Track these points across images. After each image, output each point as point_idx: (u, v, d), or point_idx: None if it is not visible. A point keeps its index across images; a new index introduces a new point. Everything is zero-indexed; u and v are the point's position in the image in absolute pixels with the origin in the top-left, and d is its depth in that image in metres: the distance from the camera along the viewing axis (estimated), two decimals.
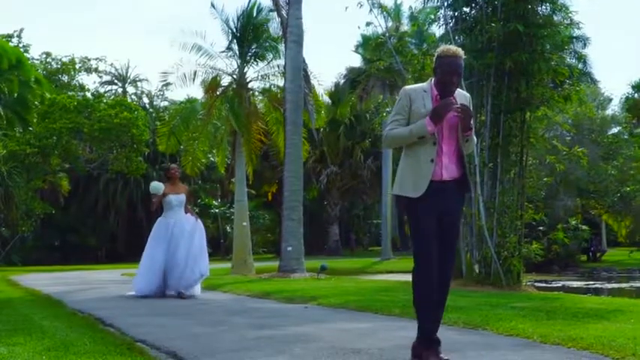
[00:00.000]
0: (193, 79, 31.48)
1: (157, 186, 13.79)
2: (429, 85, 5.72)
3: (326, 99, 48.96)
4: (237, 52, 31.80)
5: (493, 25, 15.96)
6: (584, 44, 22.14)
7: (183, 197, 13.75)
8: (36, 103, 38.41)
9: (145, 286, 13.37)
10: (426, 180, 5.54)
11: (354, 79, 47.69)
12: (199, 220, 13.90)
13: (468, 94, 5.89)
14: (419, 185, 5.57)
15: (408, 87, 5.82)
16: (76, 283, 19.43)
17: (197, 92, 73.49)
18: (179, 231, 13.46)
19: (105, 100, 42.31)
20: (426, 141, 5.56)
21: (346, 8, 21.49)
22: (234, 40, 31.72)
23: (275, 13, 27.29)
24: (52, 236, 49.69)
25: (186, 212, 13.79)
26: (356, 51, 50.44)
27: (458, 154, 5.70)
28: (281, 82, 29.34)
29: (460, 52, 5.65)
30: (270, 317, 9.46)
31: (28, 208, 38.73)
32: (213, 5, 31.57)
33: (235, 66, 31.79)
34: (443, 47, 5.71)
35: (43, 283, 19.07)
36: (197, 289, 13.64)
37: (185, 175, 31.25)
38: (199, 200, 48.89)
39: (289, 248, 21.89)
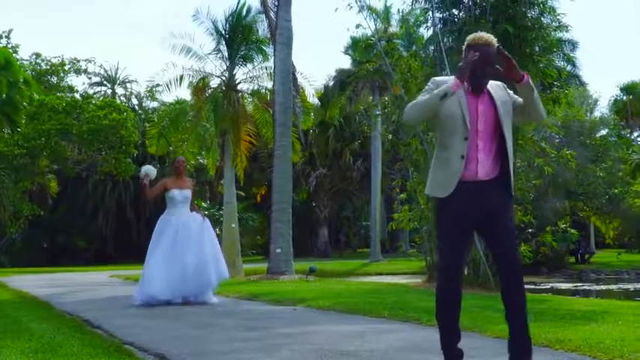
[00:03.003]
0: (180, 83, 31.54)
1: (148, 168, 12.70)
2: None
3: (315, 101, 48.98)
4: (227, 54, 31.82)
5: (482, 26, 15.99)
6: (573, 47, 22.24)
7: (188, 193, 12.52)
8: (24, 104, 38.28)
9: (153, 293, 11.75)
10: (456, 177, 5.10)
11: (343, 80, 47.72)
12: (207, 219, 12.59)
13: (501, 83, 5.38)
14: (448, 183, 5.13)
15: (437, 77, 5.39)
16: (65, 284, 19.37)
17: (187, 93, 73.33)
18: (185, 231, 12.12)
19: (94, 102, 42.19)
20: (457, 136, 5.09)
21: (336, 9, 21.52)
22: (223, 42, 31.73)
23: (264, 15, 27.28)
24: (41, 238, 49.55)
25: (191, 210, 12.56)
26: (346, 52, 50.49)
27: (497, 150, 5.19)
28: (270, 84, 29.36)
29: (493, 39, 5.20)
30: (258, 319, 9.46)
31: (16, 209, 38.60)
32: (196, 13, 31.67)
33: (224, 68, 31.81)
34: (473, 35, 5.25)
35: (31, 285, 19.01)
36: (210, 295, 12.34)
37: None
38: None
39: (278, 250, 21.86)
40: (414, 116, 5.23)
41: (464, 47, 5.27)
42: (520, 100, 5.29)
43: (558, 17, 17.05)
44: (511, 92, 5.35)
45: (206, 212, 47.87)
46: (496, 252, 5.28)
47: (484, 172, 5.14)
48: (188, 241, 12.06)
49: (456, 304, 5.31)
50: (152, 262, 11.99)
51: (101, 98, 50.61)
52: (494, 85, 5.28)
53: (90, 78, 60.32)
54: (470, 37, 5.24)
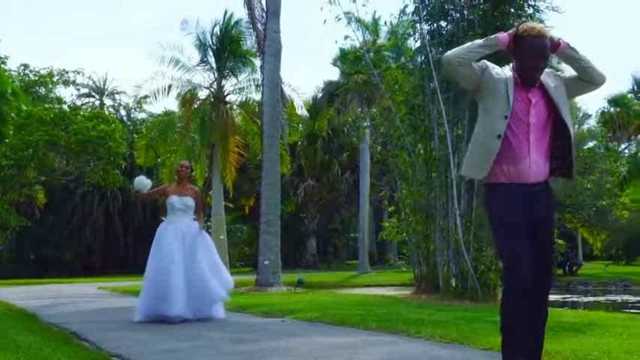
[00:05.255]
0: (168, 93, 31.57)
1: (141, 181, 11.78)
2: (509, 68, 5.03)
3: (304, 112, 49.07)
4: (215, 66, 31.87)
5: (470, 37, 16.03)
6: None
7: (189, 200, 11.49)
8: (12, 115, 38.15)
9: (150, 308, 10.90)
10: (490, 158, 4.81)
11: (332, 92, 47.78)
12: (204, 232, 11.57)
13: (550, 70, 5.07)
14: (481, 164, 4.88)
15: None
16: (51, 296, 19.28)
17: (175, 105, 73.52)
18: (183, 242, 11.11)
19: (82, 113, 42.09)
20: (497, 112, 4.81)
21: (324, 21, 21.53)
22: (211, 54, 31.80)
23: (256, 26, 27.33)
24: (28, 249, 49.33)
25: (196, 220, 11.61)
26: (334, 64, 50.52)
27: (549, 147, 4.89)
28: (258, 96, 29.44)
29: (546, 31, 4.92)
30: (247, 331, 9.44)
31: (3, 220, 38.41)
32: (183, 23, 31.78)
33: (212, 79, 31.87)
34: (525, 25, 4.95)
35: (18, 297, 18.93)
36: (219, 310, 11.39)
37: None
38: None
39: (266, 262, 21.84)
40: (451, 54, 4.92)
41: (513, 38, 4.96)
42: (571, 76, 5.07)
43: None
44: (559, 73, 5.13)
45: None
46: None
47: (536, 172, 4.84)
48: (184, 255, 11.02)
49: (526, 312, 4.83)
50: (149, 276, 11.08)
51: (89, 109, 50.54)
52: (549, 74, 5.01)
53: (78, 89, 60.26)
54: (521, 27, 4.96)
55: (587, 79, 5.02)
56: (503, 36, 4.92)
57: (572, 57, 4.99)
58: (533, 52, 4.84)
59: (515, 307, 4.79)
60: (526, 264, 4.71)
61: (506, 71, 4.97)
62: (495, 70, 4.96)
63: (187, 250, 11.10)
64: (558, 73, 5.11)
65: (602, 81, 5.07)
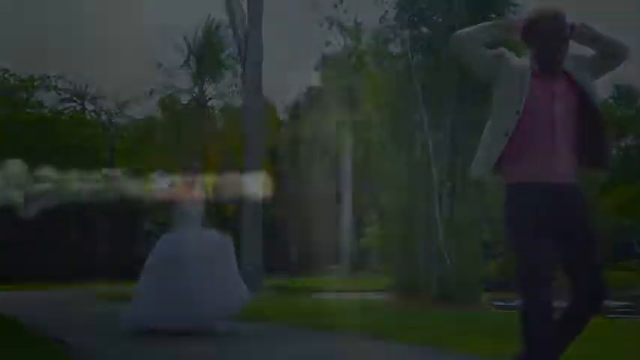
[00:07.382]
0: (150, 96, 31.52)
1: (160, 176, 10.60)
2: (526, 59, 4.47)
3: (285, 117, 49.07)
4: (196, 71, 31.86)
5: None
6: None
7: (201, 205, 10.36)
8: None
9: (143, 317, 9.68)
10: (493, 157, 4.32)
11: (314, 97, 47.75)
12: (228, 236, 10.37)
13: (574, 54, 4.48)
14: (484, 163, 4.41)
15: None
16: (32, 304, 19.15)
17: (157, 109, 72.98)
18: (196, 250, 9.73)
19: (63, 118, 41.91)
20: (507, 106, 4.33)
21: (307, 26, 21.52)
22: (193, 59, 31.79)
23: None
24: (7, 255, 48.99)
25: (203, 225, 10.37)
26: (316, 69, 50.51)
27: (579, 140, 4.37)
28: (239, 101, 29.45)
29: (560, 10, 4.38)
30: (227, 337, 9.37)
31: None
32: (166, 27, 31.77)
33: (194, 84, 31.85)
34: (537, 8, 4.43)
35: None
36: (222, 323, 9.84)
37: None
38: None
39: (249, 267, 21.80)
40: (460, 32, 4.54)
41: (525, 25, 4.46)
42: (593, 55, 4.51)
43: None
44: (581, 55, 4.54)
45: None
46: (575, 275, 4.39)
47: (564, 171, 4.33)
48: (197, 262, 9.63)
49: (550, 318, 4.45)
50: (144, 283, 9.96)
51: (71, 114, 50.29)
52: (571, 59, 4.45)
53: (60, 94, 59.89)
54: (532, 12, 4.48)
55: (611, 54, 4.51)
56: (518, 23, 4.50)
57: (592, 37, 4.47)
58: (550, 36, 4.34)
59: (535, 318, 4.50)
60: (546, 273, 4.25)
61: (525, 62, 4.45)
62: (513, 60, 4.45)
63: (204, 256, 9.72)
64: (579, 54, 4.56)
65: (626, 52, 4.51)
